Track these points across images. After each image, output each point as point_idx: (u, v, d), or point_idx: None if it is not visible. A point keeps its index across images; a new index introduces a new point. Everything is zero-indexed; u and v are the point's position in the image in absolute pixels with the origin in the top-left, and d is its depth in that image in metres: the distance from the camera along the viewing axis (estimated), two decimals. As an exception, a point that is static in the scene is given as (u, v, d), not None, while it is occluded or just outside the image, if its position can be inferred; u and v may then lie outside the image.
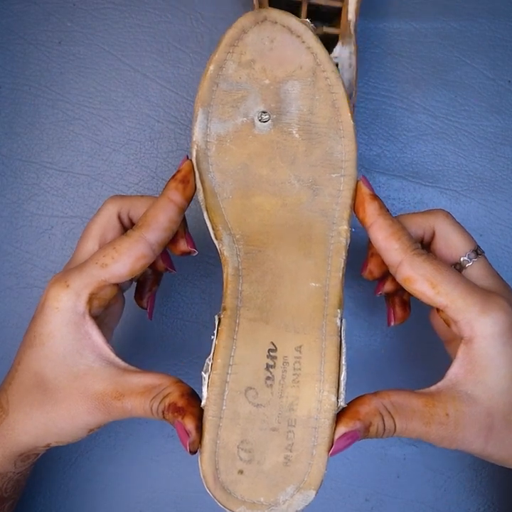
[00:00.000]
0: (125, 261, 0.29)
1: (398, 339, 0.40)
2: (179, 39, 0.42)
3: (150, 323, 0.40)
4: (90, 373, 0.29)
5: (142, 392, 0.28)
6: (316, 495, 0.27)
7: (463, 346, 0.29)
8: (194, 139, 0.31)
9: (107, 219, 0.31)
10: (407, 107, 0.42)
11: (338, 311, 0.30)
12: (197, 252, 0.33)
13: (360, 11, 0.41)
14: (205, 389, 0.28)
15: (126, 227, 0.32)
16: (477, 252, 0.32)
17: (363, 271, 0.35)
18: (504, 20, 0.42)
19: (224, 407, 0.28)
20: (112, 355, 0.30)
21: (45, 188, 0.41)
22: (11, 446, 0.30)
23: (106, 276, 0.29)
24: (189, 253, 0.33)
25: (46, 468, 0.40)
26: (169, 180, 0.31)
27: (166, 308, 0.41)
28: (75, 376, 0.29)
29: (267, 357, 0.29)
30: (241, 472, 0.27)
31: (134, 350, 0.40)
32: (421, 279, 0.29)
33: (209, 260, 0.41)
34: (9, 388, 0.30)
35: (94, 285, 0.29)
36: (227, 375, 0.28)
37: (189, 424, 0.27)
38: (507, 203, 0.41)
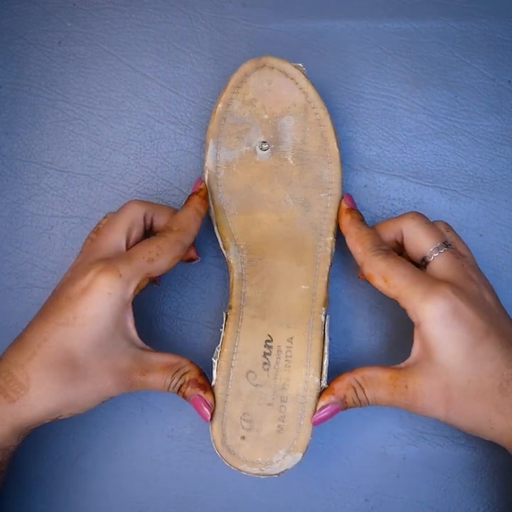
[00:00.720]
0: (167, 258, 0.34)
1: (398, 338, 0.40)
2: (179, 39, 0.42)
3: (150, 323, 0.40)
4: (118, 351, 0.33)
5: (163, 368, 0.34)
6: (302, 457, 0.34)
7: (415, 330, 0.33)
8: (206, 165, 0.38)
9: (134, 217, 0.35)
10: (407, 107, 0.42)
11: (323, 309, 0.36)
12: (199, 259, 0.39)
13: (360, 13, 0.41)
14: (214, 372, 0.35)
15: (147, 228, 0.36)
16: (439, 248, 0.34)
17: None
18: (504, 20, 0.42)
19: (230, 387, 0.35)
20: (136, 337, 0.34)
21: (45, 188, 0.41)
22: (26, 422, 0.31)
23: (151, 269, 0.33)
24: (194, 260, 0.39)
25: (46, 468, 0.40)
26: (193, 196, 0.37)
27: (166, 308, 0.41)
28: (104, 354, 0.32)
29: (264, 346, 0.36)
30: (243, 438, 0.34)
31: (134, 350, 0.40)
32: (377, 276, 0.34)
33: (209, 260, 0.41)
34: (29, 364, 0.31)
35: (141, 276, 0.33)
36: (232, 361, 0.35)
37: (209, 398, 0.34)
38: (507, 203, 0.41)
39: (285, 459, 0.34)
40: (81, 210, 0.41)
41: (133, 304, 0.33)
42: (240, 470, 0.34)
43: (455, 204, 0.41)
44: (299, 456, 0.34)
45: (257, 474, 0.34)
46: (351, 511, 0.40)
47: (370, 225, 0.37)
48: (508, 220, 0.41)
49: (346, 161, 0.41)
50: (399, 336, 0.40)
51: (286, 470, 0.34)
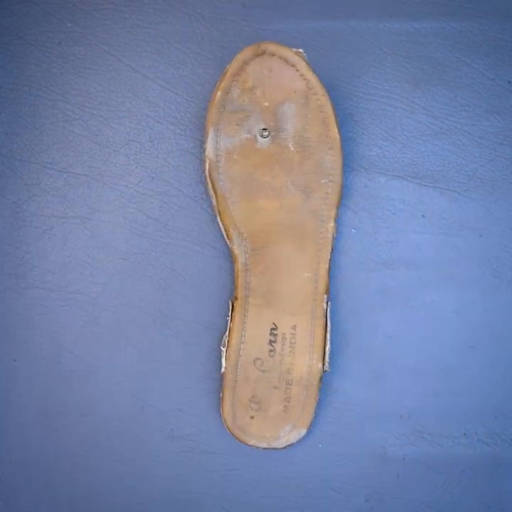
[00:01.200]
0: None
1: (399, 339, 0.40)
2: (179, 39, 0.42)
3: (150, 323, 0.40)
4: None
5: None
6: (306, 432, 0.38)
7: None
8: (206, 154, 0.38)
9: None
10: (407, 107, 0.42)
11: (325, 296, 0.38)
12: None
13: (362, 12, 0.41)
14: (223, 360, 0.38)
15: None
16: None
17: None
18: (504, 20, 0.42)
19: (238, 374, 0.38)
20: None
21: (45, 188, 0.41)
22: None
23: None
24: None
25: (46, 469, 0.40)
26: None
27: (165, 308, 0.41)
28: None
29: (270, 334, 0.38)
30: (252, 417, 0.38)
31: (135, 350, 0.40)
32: None
33: (208, 260, 0.41)
34: None
35: None
36: (239, 350, 0.38)
37: None
38: (507, 203, 0.41)
39: (291, 433, 0.38)
40: (81, 210, 0.41)
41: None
42: (250, 445, 0.38)
43: (455, 204, 0.41)
44: (303, 431, 0.38)
45: (265, 448, 0.38)
46: (351, 511, 0.40)
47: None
48: (508, 220, 0.41)
49: (346, 162, 0.41)
50: (400, 336, 0.40)
51: (291, 444, 0.38)
